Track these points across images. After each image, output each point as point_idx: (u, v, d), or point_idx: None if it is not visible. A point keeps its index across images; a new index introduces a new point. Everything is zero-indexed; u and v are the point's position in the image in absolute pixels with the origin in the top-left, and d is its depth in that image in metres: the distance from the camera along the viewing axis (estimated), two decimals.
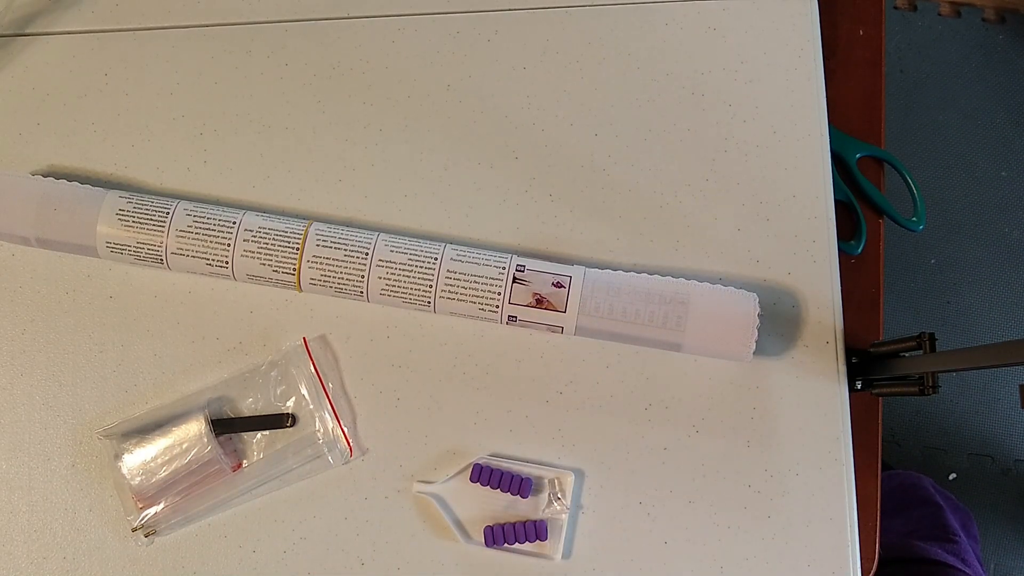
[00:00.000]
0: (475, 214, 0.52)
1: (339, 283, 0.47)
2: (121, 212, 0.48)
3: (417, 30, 0.54)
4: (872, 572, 0.50)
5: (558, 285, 0.47)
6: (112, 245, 0.48)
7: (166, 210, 0.48)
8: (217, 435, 0.48)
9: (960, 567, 0.70)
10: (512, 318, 0.47)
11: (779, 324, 0.50)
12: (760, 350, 0.49)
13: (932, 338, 0.46)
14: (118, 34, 0.54)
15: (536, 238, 0.52)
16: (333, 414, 0.49)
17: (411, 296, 0.47)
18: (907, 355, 0.48)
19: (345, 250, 0.47)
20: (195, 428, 0.47)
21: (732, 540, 0.48)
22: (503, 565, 0.48)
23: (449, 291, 0.47)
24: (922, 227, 0.56)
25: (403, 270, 0.47)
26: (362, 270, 0.47)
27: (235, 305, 0.51)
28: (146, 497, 0.47)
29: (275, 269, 0.48)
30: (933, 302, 1.24)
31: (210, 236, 0.48)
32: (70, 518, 0.49)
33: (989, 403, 1.21)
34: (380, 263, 0.47)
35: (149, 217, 0.48)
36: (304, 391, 0.49)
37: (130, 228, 0.48)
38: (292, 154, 0.53)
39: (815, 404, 0.49)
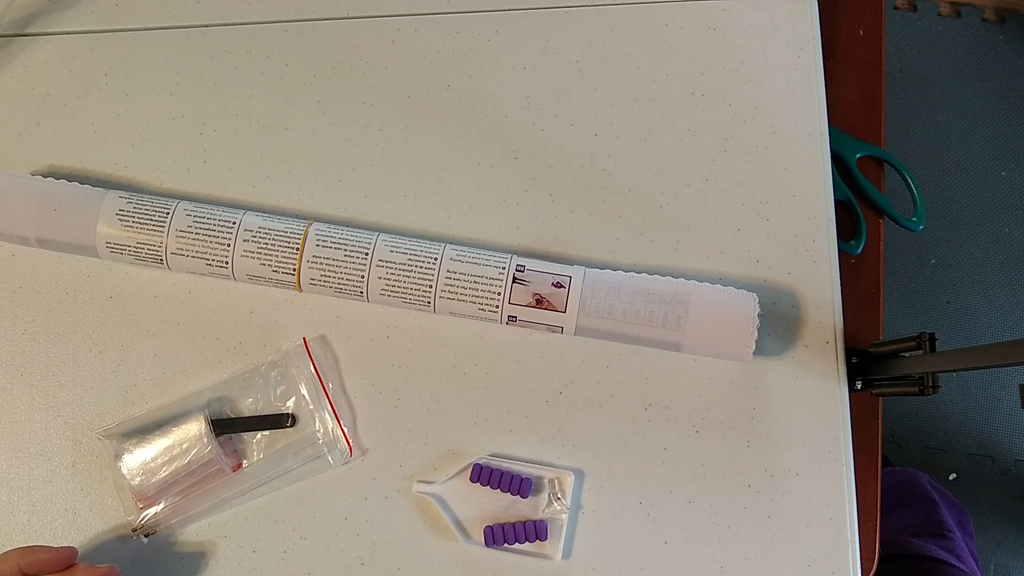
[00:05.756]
0: (475, 214, 0.52)
1: (339, 283, 0.47)
2: (121, 212, 0.48)
3: (417, 30, 0.54)
4: (872, 572, 0.50)
5: (558, 285, 0.47)
6: (112, 245, 0.48)
7: (166, 210, 0.48)
8: (217, 435, 0.48)
9: (955, 563, 0.70)
10: (512, 318, 0.47)
11: (779, 324, 0.50)
12: (760, 350, 0.49)
13: (932, 338, 0.46)
14: (118, 34, 0.54)
15: (536, 238, 0.52)
16: (333, 414, 0.49)
17: (411, 296, 0.47)
18: (907, 355, 0.48)
19: (345, 250, 0.47)
20: (195, 428, 0.47)
21: (732, 540, 0.48)
22: (503, 565, 0.48)
23: (449, 291, 0.47)
24: (922, 227, 0.56)
25: (403, 270, 0.47)
26: (362, 270, 0.47)
27: (235, 305, 0.51)
28: (146, 497, 0.47)
29: (275, 269, 0.48)
30: (933, 302, 1.24)
31: (210, 236, 0.48)
32: (70, 518, 0.49)
33: (989, 403, 1.21)
34: (380, 263, 0.47)
35: (149, 217, 0.48)
36: (304, 391, 0.49)
37: (130, 228, 0.48)
38: (292, 154, 0.53)
39: (815, 404, 0.49)
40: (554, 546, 0.48)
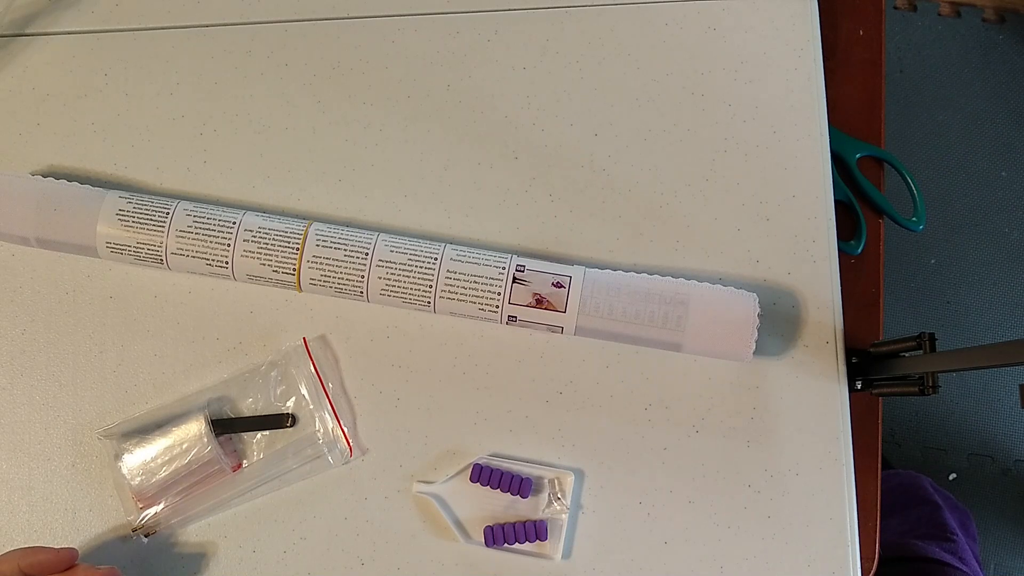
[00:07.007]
0: (475, 214, 0.52)
1: (339, 283, 0.47)
2: (121, 212, 0.48)
3: (417, 30, 0.54)
4: (872, 572, 0.50)
5: (558, 285, 0.47)
6: (112, 245, 0.48)
7: (166, 210, 0.48)
8: (217, 435, 0.48)
9: (958, 565, 0.70)
10: (512, 318, 0.47)
11: (779, 324, 0.50)
12: (760, 350, 0.49)
13: (932, 338, 0.46)
14: (118, 34, 0.54)
15: (536, 238, 0.52)
16: (333, 414, 0.49)
17: (411, 296, 0.47)
18: (907, 355, 0.48)
19: (345, 250, 0.47)
20: (195, 428, 0.47)
21: (732, 540, 0.48)
22: (503, 565, 0.48)
23: (449, 291, 0.47)
24: (922, 227, 0.56)
25: (403, 270, 0.47)
26: (362, 270, 0.47)
27: (235, 305, 0.51)
28: (146, 497, 0.47)
29: (275, 269, 0.48)
30: (933, 302, 1.24)
31: (210, 236, 0.48)
32: (70, 518, 0.49)
33: (989, 403, 1.21)
34: (380, 263, 0.47)
35: (149, 217, 0.48)
36: (304, 391, 0.49)
37: (130, 228, 0.48)
38: (292, 154, 0.53)
39: (815, 404, 0.49)
40: (554, 546, 0.48)
